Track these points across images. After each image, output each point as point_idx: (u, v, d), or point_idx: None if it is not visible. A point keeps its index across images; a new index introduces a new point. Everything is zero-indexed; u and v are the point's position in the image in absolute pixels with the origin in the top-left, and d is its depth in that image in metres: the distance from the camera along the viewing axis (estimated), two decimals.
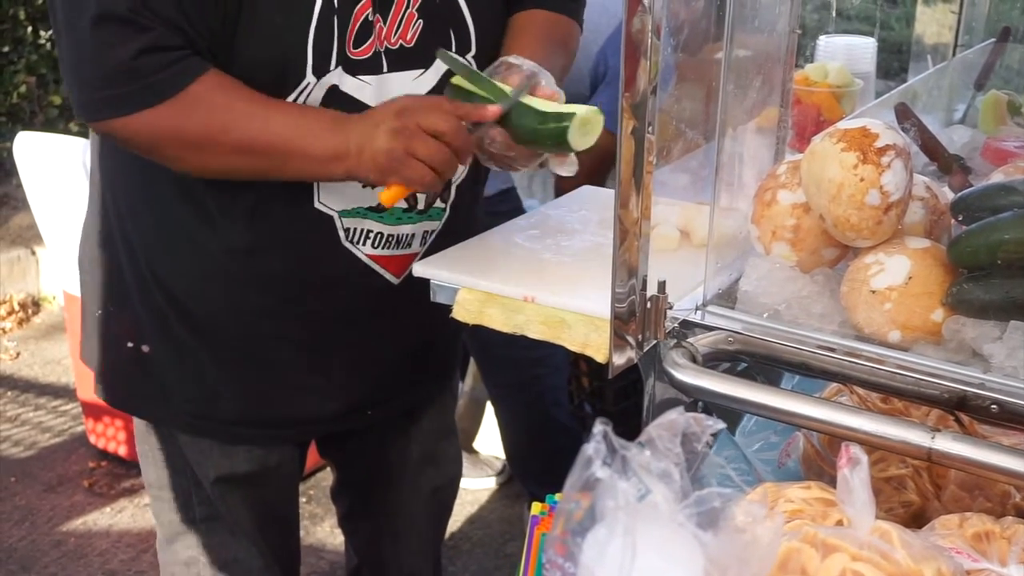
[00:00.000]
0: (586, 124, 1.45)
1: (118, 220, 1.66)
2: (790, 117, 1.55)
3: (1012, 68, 2.34)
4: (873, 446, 1.22)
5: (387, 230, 1.63)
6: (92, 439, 3.45)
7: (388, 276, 1.67)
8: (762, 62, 1.44)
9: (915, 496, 1.30)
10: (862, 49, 2.20)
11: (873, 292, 1.24)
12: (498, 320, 1.47)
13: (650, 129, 1.15)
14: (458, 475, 2.12)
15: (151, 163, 1.53)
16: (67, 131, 4.75)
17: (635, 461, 0.75)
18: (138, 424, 1.80)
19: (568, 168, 1.52)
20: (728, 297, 1.37)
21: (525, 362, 2.92)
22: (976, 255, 1.21)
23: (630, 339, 1.25)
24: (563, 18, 1.74)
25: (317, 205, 1.58)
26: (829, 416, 1.18)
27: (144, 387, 1.73)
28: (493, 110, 1.46)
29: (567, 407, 3.09)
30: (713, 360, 1.31)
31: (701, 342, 1.30)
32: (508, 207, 2.66)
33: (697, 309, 1.34)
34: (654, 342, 1.28)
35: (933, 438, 1.11)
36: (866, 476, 0.88)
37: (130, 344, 1.71)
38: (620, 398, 2.99)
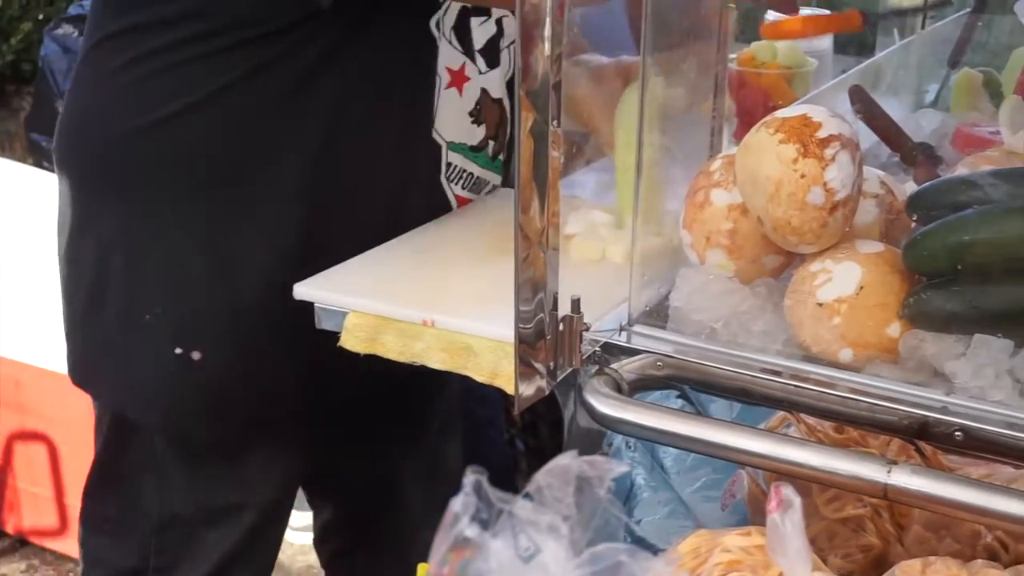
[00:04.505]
0: None
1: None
2: (725, 105, 1.56)
3: (999, 42, 2.37)
4: (823, 483, 1.23)
5: (478, 171, 1.85)
6: None
7: None
8: (692, 43, 1.44)
9: (875, 539, 1.30)
10: None
11: (820, 305, 1.24)
12: (393, 348, 1.46)
13: (555, 122, 1.15)
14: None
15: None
16: None
17: (522, 515, 0.74)
18: (129, 453, 1.82)
19: None
20: (657, 315, 1.36)
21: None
22: (935, 259, 1.22)
23: (539, 366, 1.24)
24: None
25: (433, 135, 1.77)
26: (771, 450, 1.17)
27: (191, 400, 1.74)
28: None
29: (500, 444, 3.08)
30: (641, 388, 1.30)
31: (626, 368, 1.29)
32: None
33: (621, 330, 1.33)
34: (569, 369, 1.27)
35: (889, 472, 1.11)
36: (800, 521, 0.88)
37: (178, 351, 1.71)
38: (556, 432, 2.98)
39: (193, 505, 1.82)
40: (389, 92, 1.73)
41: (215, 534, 1.83)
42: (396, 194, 1.77)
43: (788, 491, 0.89)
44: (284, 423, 1.81)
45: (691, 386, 1.30)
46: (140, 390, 1.76)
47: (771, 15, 2.05)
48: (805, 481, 1.22)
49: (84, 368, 1.84)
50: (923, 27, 2.29)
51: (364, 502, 2.12)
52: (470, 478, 0.71)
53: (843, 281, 1.24)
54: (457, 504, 0.71)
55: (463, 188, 1.85)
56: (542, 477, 0.76)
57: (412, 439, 2.06)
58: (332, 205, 1.71)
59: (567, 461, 0.77)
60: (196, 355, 1.70)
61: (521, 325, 1.21)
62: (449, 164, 1.80)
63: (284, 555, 2.10)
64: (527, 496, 0.76)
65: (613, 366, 1.29)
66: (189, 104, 1.65)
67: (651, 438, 1.23)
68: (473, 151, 1.83)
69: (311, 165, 1.69)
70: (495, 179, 1.91)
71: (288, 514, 1.99)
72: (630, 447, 1.64)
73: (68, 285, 1.81)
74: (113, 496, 1.87)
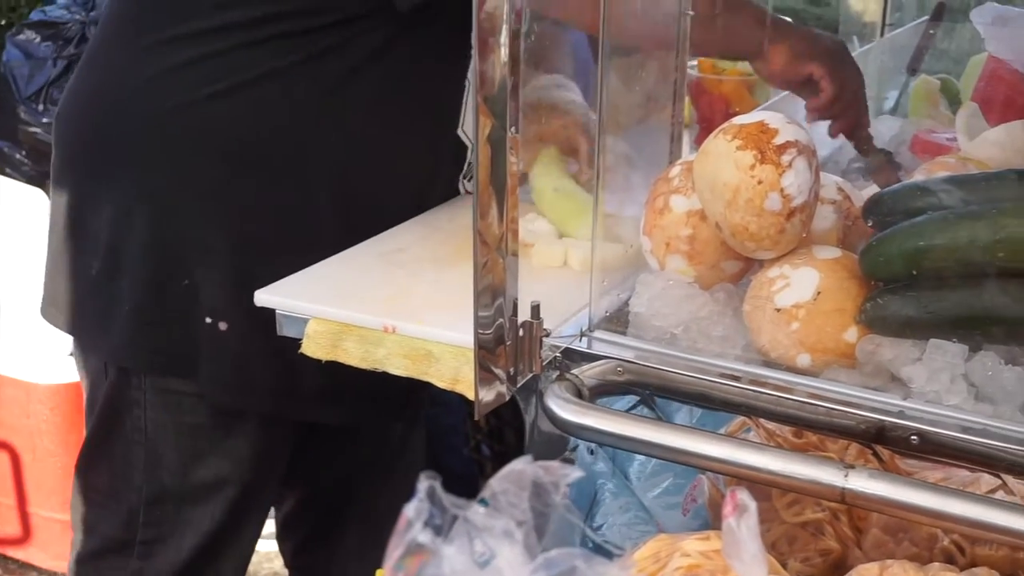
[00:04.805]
0: None
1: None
2: (684, 111, 1.57)
3: (957, 49, 2.39)
4: (782, 487, 1.23)
5: None
6: None
7: None
8: (651, 49, 1.45)
9: (834, 543, 1.31)
10: None
11: (778, 310, 1.25)
12: (355, 355, 1.46)
13: (513, 129, 1.15)
14: None
15: None
16: None
17: (476, 521, 0.74)
18: (121, 431, 1.81)
19: None
20: (618, 320, 1.37)
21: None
22: (891, 265, 1.23)
23: (499, 372, 1.24)
24: None
25: (460, 135, 1.78)
26: (730, 455, 1.18)
27: (221, 370, 1.74)
28: None
29: (463, 451, 3.07)
30: (602, 394, 1.31)
31: (587, 373, 1.30)
32: None
33: (582, 335, 1.33)
34: (530, 375, 1.28)
35: (847, 476, 1.12)
36: (755, 525, 0.89)
37: (208, 320, 1.71)
38: (521, 438, 2.98)
39: (181, 479, 1.82)
40: (428, 92, 1.76)
41: (201, 509, 1.84)
42: (422, 190, 1.82)
43: (744, 495, 0.89)
44: (289, 401, 1.82)
45: (651, 391, 1.30)
46: (170, 355, 1.76)
47: None
48: (764, 485, 1.23)
49: (97, 333, 1.82)
50: (882, 34, 2.31)
51: (326, 493, 2.13)
52: (424, 484, 0.71)
53: (801, 287, 1.25)
54: (410, 510, 0.70)
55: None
56: (497, 483, 0.76)
57: (375, 435, 2.07)
58: (360, 195, 1.73)
59: (522, 466, 0.77)
60: (223, 326, 1.71)
61: (480, 331, 1.22)
62: (470, 163, 1.84)
63: (251, 562, 2.08)
64: (482, 502, 0.76)
65: (574, 372, 1.29)
66: (229, 86, 1.66)
67: (612, 443, 1.23)
68: None
69: (344, 156, 1.71)
70: None
71: (267, 502, 2.00)
72: (592, 453, 1.65)
73: (76, 254, 1.79)
74: (104, 470, 1.87)
